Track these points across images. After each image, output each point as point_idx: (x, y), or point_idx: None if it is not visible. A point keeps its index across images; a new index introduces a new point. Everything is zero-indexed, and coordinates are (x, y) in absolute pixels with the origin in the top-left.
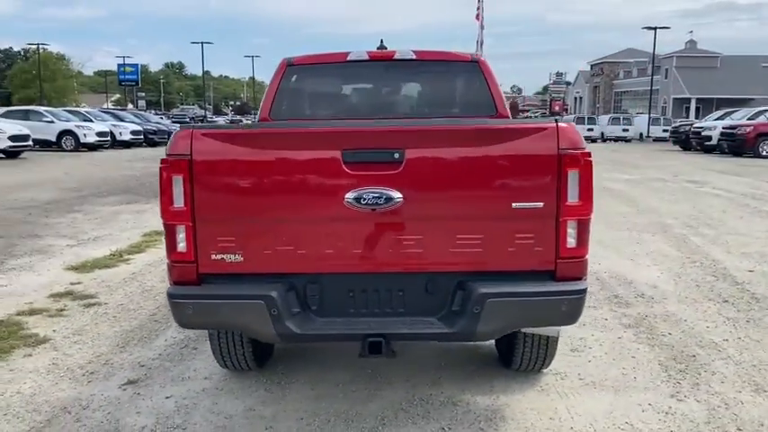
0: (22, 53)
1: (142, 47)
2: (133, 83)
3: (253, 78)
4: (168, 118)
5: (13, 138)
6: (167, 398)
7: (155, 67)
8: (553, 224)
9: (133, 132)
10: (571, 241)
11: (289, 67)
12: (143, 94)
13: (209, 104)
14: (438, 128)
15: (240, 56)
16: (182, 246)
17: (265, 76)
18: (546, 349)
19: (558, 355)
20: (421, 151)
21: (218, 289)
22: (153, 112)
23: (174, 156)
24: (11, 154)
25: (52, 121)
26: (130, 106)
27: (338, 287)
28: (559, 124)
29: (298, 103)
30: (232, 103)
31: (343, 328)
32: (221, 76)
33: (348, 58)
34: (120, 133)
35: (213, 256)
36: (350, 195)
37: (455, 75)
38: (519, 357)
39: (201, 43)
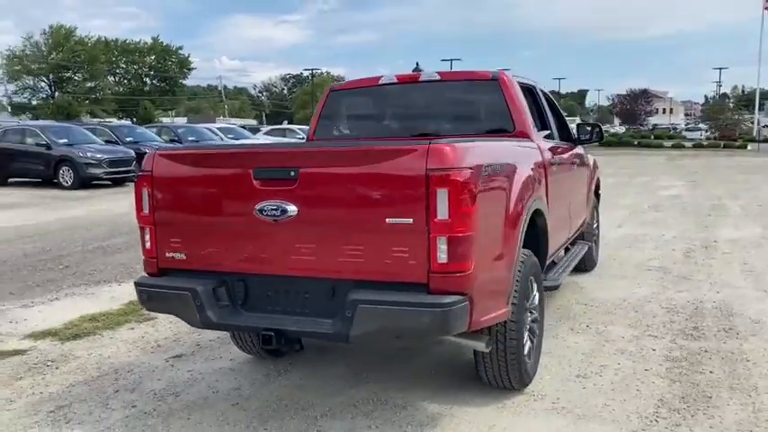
0: (305, 77)
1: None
2: None
3: None
4: None
5: None
6: (188, 371)
7: None
8: (425, 240)
9: None
10: (442, 256)
11: (332, 92)
12: None
13: None
14: (324, 150)
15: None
16: (147, 244)
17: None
18: (506, 365)
19: (561, 378)
20: (312, 170)
21: (164, 281)
22: None
23: (142, 172)
24: None
25: (303, 138)
26: None
27: (257, 286)
28: (433, 145)
29: (337, 123)
30: None
31: (249, 321)
32: None
33: (380, 82)
34: None
35: (167, 254)
36: (257, 207)
37: (476, 93)
38: (482, 372)
39: (450, 60)
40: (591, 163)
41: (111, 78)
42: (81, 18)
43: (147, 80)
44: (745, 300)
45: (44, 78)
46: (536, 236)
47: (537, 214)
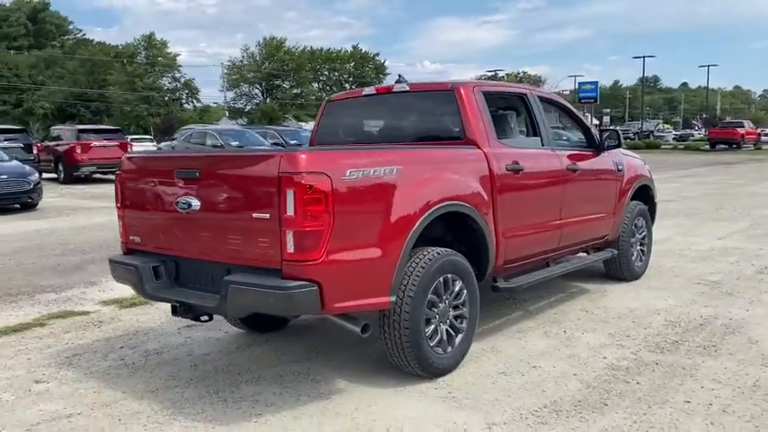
0: (500, 77)
1: (620, 62)
2: (592, 100)
3: (707, 88)
4: None
5: None
6: (186, 338)
7: (629, 81)
8: (278, 232)
9: None
10: (290, 247)
11: (328, 103)
12: (608, 110)
13: (679, 118)
14: (216, 154)
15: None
16: (120, 229)
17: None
18: (402, 352)
19: (482, 373)
20: (207, 172)
21: (123, 258)
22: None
23: (118, 170)
24: None
25: None
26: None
27: (184, 267)
28: (289, 152)
29: (332, 131)
30: (705, 115)
31: (170, 294)
32: (700, 87)
33: (363, 93)
34: None
35: (130, 237)
36: (177, 201)
37: (437, 103)
38: (389, 357)
39: (643, 57)
40: (622, 170)
41: (315, 85)
42: (300, 29)
43: (347, 86)
44: (765, 318)
45: (257, 86)
46: (473, 239)
47: (468, 219)
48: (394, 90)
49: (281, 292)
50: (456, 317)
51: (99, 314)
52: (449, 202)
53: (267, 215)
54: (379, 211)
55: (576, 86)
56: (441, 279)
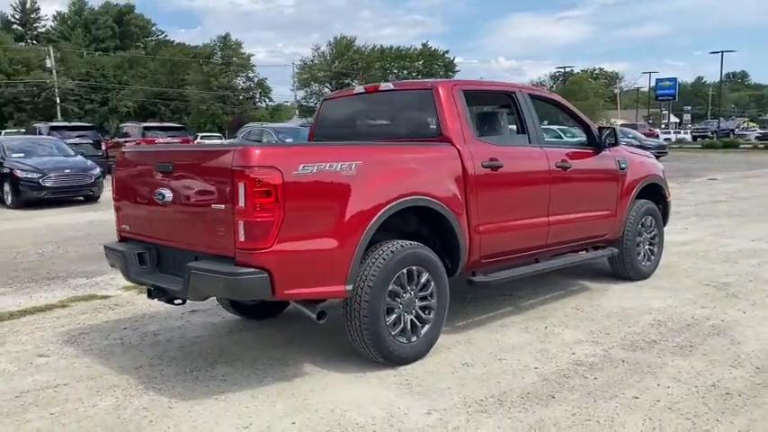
0: (576, 73)
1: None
2: (670, 97)
3: None
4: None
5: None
6: (186, 321)
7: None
8: (231, 222)
9: None
10: (241, 237)
11: (324, 101)
12: (689, 107)
13: None
14: (184, 149)
15: None
16: (115, 219)
17: None
18: (361, 338)
19: (446, 363)
20: (178, 165)
21: (114, 245)
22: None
23: (114, 165)
24: None
25: None
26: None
27: (164, 254)
28: (242, 148)
29: (326, 127)
30: None
31: (150, 279)
32: None
33: (354, 92)
34: None
35: (122, 226)
36: (155, 192)
37: (415, 101)
38: (352, 343)
39: (721, 52)
40: (625, 168)
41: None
42: (374, 28)
43: None
44: (758, 322)
45: (327, 84)
46: (444, 234)
47: (436, 214)
48: (380, 89)
49: (233, 278)
50: (422, 308)
51: (117, 298)
52: (411, 198)
53: (223, 206)
54: (335, 204)
55: (654, 83)
56: (404, 271)
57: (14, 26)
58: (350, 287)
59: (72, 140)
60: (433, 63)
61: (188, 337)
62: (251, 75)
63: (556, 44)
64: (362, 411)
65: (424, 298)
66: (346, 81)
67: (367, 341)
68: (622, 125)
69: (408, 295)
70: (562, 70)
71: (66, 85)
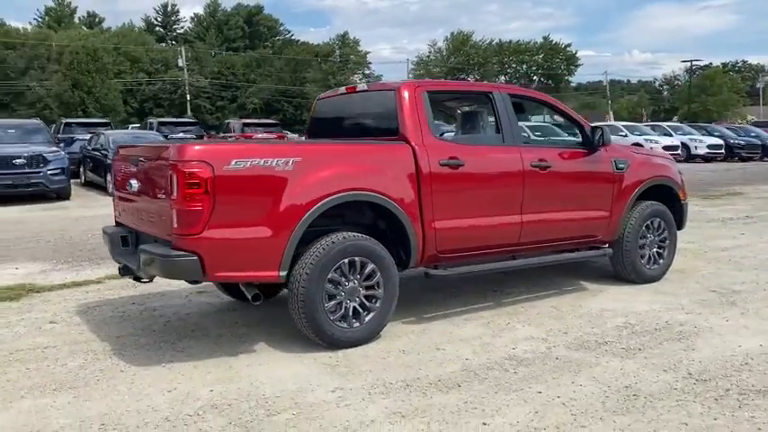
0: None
1: None
2: None
3: None
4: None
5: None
6: (188, 300)
7: None
8: (169, 210)
9: (710, 146)
10: (175, 223)
11: (318, 100)
12: None
13: None
14: (143, 145)
15: None
16: (111, 207)
17: None
18: (301, 321)
19: (384, 349)
20: (141, 160)
21: (107, 229)
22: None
23: (113, 159)
24: None
25: (626, 135)
26: None
27: (141, 237)
28: (179, 144)
29: (318, 125)
30: None
31: (123, 259)
32: None
33: (338, 92)
34: (696, 147)
35: (115, 212)
36: (129, 182)
37: (382, 101)
38: (295, 324)
39: None
40: (623, 168)
41: (502, 78)
42: (501, 22)
43: (535, 78)
44: (733, 330)
45: (443, 80)
46: (397, 228)
47: (386, 210)
48: (357, 90)
49: (167, 260)
50: (367, 297)
51: None
52: (352, 193)
53: (165, 196)
54: (269, 197)
55: None
56: (346, 261)
57: (157, 28)
58: (283, 273)
59: (177, 135)
60: (554, 57)
61: (180, 313)
62: (367, 71)
63: (696, 35)
64: (276, 386)
65: (369, 287)
66: (462, 76)
67: (305, 324)
68: (754, 123)
69: (351, 284)
70: (695, 63)
71: (199, 83)
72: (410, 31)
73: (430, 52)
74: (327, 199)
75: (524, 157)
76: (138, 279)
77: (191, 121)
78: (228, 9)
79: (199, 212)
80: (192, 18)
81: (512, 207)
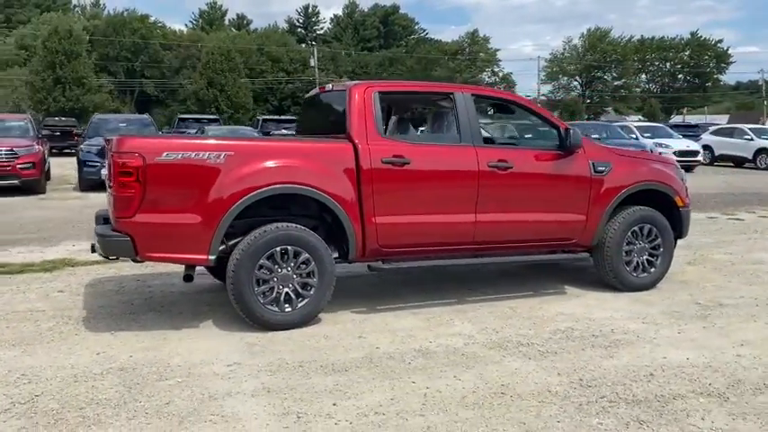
0: None
1: None
2: None
3: None
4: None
5: (679, 153)
6: (173, 284)
7: None
8: (112, 197)
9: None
10: (114, 208)
11: (305, 99)
12: None
13: None
14: (109, 139)
15: None
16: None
17: None
18: (233, 300)
19: (309, 335)
20: (110, 153)
21: (99, 210)
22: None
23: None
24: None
25: (752, 139)
26: None
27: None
28: (119, 137)
29: (305, 122)
30: None
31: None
32: None
33: (314, 92)
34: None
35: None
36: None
37: (338, 101)
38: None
39: None
40: (603, 171)
41: (642, 76)
42: (654, 16)
43: (681, 77)
44: (674, 343)
45: (577, 78)
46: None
47: (327, 202)
48: (326, 90)
49: (104, 239)
50: (302, 284)
51: None
52: (284, 186)
53: (110, 183)
54: (199, 186)
55: None
56: (278, 249)
57: (298, 29)
58: (212, 257)
59: (279, 131)
60: (702, 54)
61: (167, 292)
62: (496, 69)
63: None
64: (186, 357)
65: (304, 275)
66: (597, 74)
67: (237, 306)
68: None
69: (285, 271)
70: None
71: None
72: (554, 27)
73: (564, 49)
74: (256, 191)
75: (481, 157)
76: (105, 257)
77: (292, 118)
78: (366, 10)
79: (130, 198)
80: (331, 19)
81: (465, 206)
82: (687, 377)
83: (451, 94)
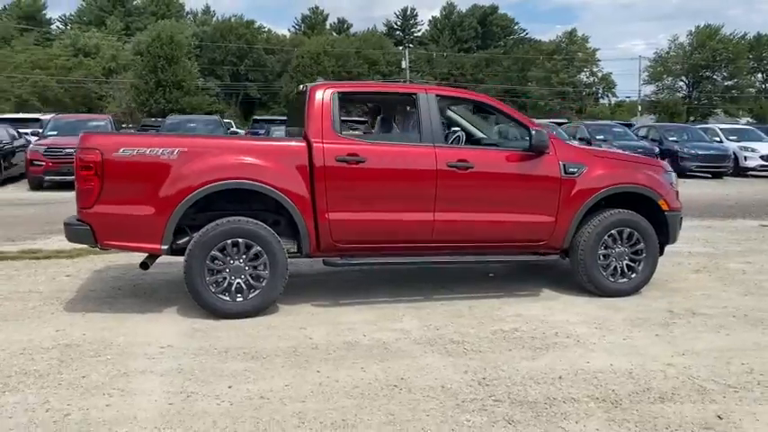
0: None
1: None
2: None
3: None
4: None
5: (765, 157)
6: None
7: None
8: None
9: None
10: (78, 199)
11: (289, 99)
12: None
13: None
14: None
15: None
16: None
17: None
18: (186, 286)
19: (251, 325)
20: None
21: None
22: None
23: None
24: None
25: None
26: None
27: None
28: (83, 134)
29: (291, 120)
30: None
31: None
32: None
33: (294, 92)
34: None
35: None
36: None
37: (304, 101)
38: None
39: None
40: (575, 173)
41: (758, 75)
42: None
43: None
44: (607, 349)
45: (683, 78)
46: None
47: (278, 197)
48: (301, 90)
49: (68, 228)
50: (253, 276)
51: None
52: (234, 181)
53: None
54: (153, 180)
55: None
56: (229, 242)
57: (396, 32)
58: (165, 247)
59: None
60: None
61: (155, 280)
62: (595, 69)
63: None
64: (130, 338)
65: (256, 267)
66: (706, 74)
67: (191, 294)
68: None
69: (237, 263)
70: None
71: (429, 84)
72: (665, 24)
73: (670, 48)
74: (205, 186)
75: (440, 156)
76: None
77: (360, 120)
78: (464, 10)
79: (90, 190)
80: (430, 21)
81: (422, 205)
82: (596, 382)
83: (414, 94)
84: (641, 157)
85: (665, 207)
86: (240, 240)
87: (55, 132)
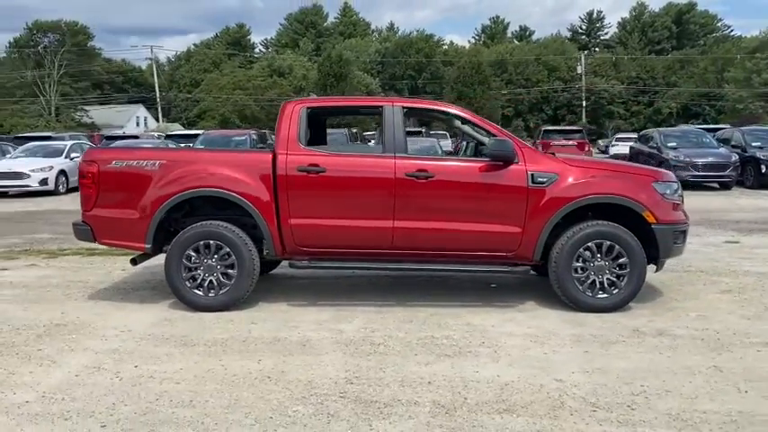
0: None
1: None
2: None
3: None
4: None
5: None
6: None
7: None
8: (86, 200)
9: None
10: (82, 204)
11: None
12: None
13: None
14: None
15: None
16: None
17: None
18: (166, 281)
19: (229, 319)
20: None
21: None
22: None
23: None
24: None
25: None
26: None
27: None
28: (89, 149)
29: None
30: None
31: None
32: None
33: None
34: None
35: None
36: None
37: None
38: None
39: None
40: (544, 183)
41: None
42: None
43: None
44: (530, 365)
45: None
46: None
47: (243, 204)
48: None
49: (74, 227)
50: (224, 274)
51: None
52: (206, 189)
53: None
54: (139, 188)
55: None
56: (201, 243)
57: (581, 36)
58: (149, 246)
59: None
60: None
61: (157, 273)
62: None
63: None
64: (102, 322)
65: (226, 266)
66: None
67: (170, 289)
68: None
69: (209, 261)
70: None
71: (614, 88)
72: None
73: None
74: (180, 193)
75: (399, 166)
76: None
77: (574, 129)
78: (657, 9)
79: (89, 196)
80: (618, 23)
81: (381, 212)
82: (456, 390)
83: (380, 107)
84: (631, 166)
85: (650, 219)
86: (211, 242)
87: (202, 146)
